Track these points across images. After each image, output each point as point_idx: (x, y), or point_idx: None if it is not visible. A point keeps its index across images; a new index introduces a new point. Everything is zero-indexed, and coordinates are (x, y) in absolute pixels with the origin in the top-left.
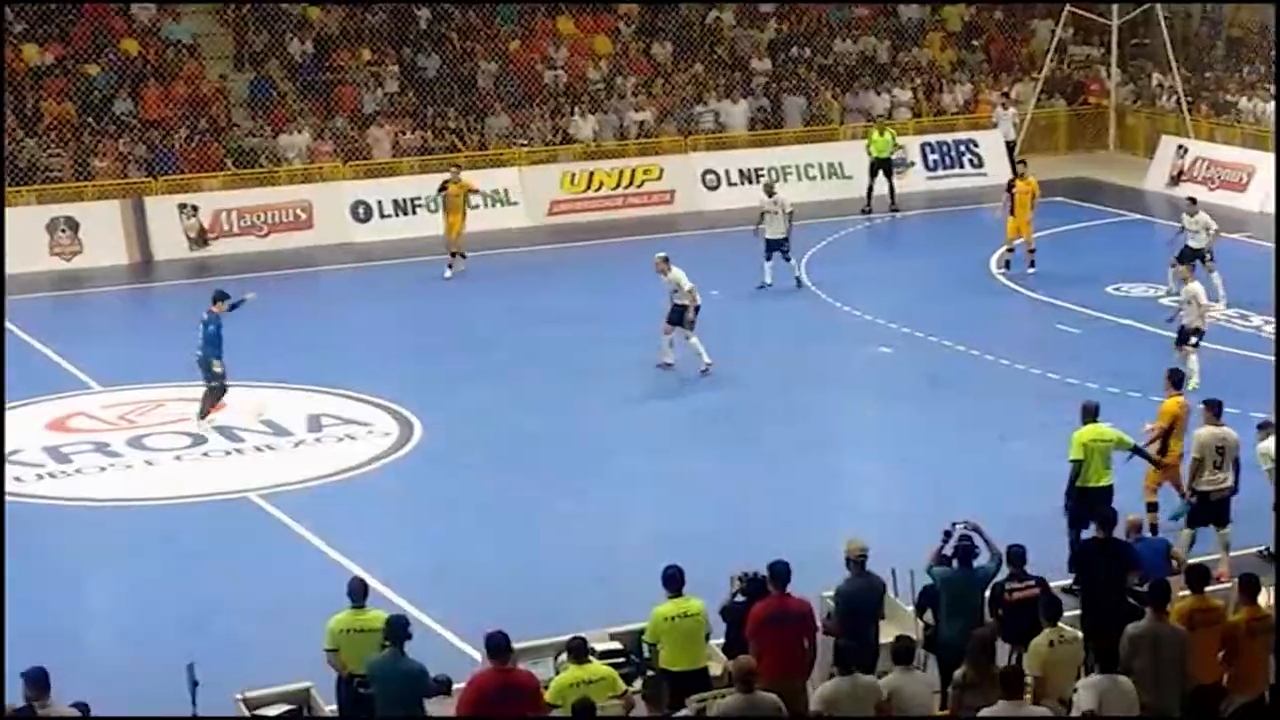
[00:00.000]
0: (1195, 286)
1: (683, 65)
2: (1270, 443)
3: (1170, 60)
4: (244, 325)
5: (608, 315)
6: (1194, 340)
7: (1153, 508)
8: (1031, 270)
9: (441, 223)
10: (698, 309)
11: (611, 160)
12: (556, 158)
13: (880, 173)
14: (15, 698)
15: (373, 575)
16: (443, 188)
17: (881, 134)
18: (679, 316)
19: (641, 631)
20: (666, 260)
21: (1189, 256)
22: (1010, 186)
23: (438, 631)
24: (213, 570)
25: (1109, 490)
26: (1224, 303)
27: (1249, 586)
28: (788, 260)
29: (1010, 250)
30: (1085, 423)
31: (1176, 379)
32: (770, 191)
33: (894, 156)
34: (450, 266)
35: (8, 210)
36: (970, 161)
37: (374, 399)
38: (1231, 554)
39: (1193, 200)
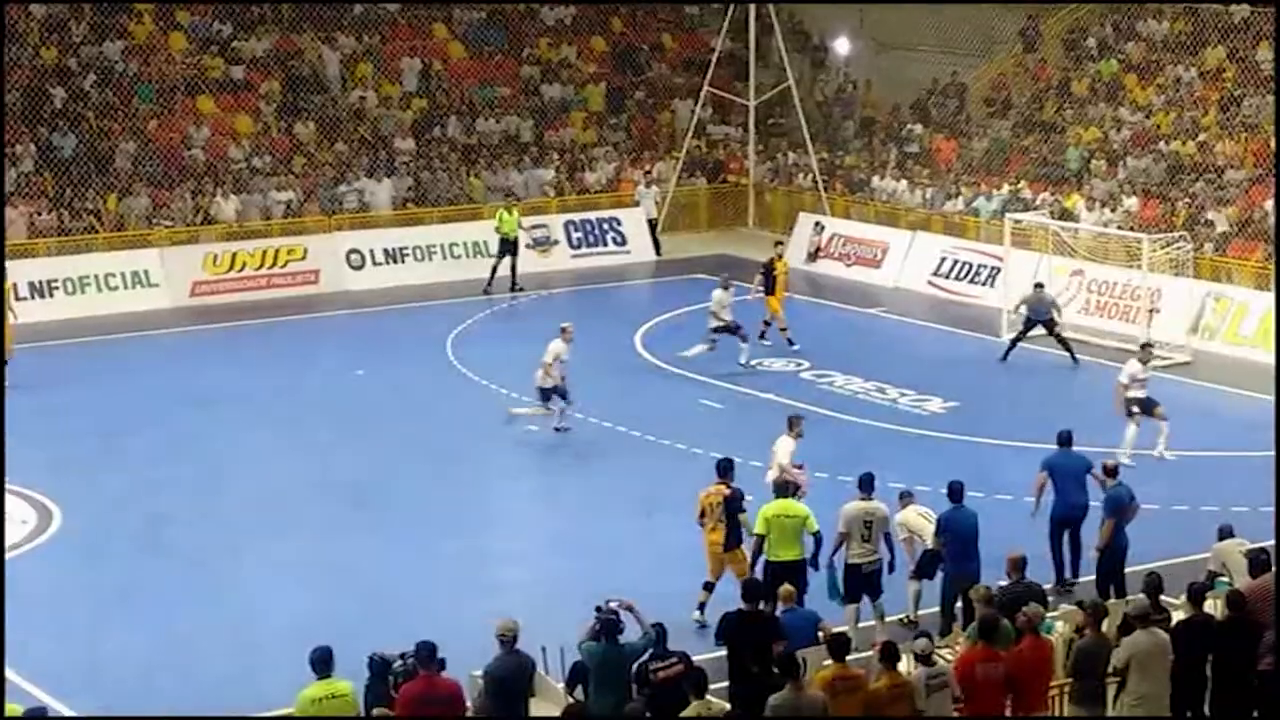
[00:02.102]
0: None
1: (326, 144)
2: (910, 512)
3: (806, 139)
4: None
5: (251, 397)
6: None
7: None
8: (795, 347)
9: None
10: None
11: (255, 240)
12: (198, 238)
13: (507, 254)
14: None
15: (12, 668)
16: None
17: (510, 213)
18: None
19: (288, 717)
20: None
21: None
22: (769, 268)
23: None
24: None
25: (799, 564)
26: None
27: (889, 654)
28: None
29: (768, 324)
30: (777, 498)
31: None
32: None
33: (537, 235)
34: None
35: None
36: (613, 239)
37: (10, 487)
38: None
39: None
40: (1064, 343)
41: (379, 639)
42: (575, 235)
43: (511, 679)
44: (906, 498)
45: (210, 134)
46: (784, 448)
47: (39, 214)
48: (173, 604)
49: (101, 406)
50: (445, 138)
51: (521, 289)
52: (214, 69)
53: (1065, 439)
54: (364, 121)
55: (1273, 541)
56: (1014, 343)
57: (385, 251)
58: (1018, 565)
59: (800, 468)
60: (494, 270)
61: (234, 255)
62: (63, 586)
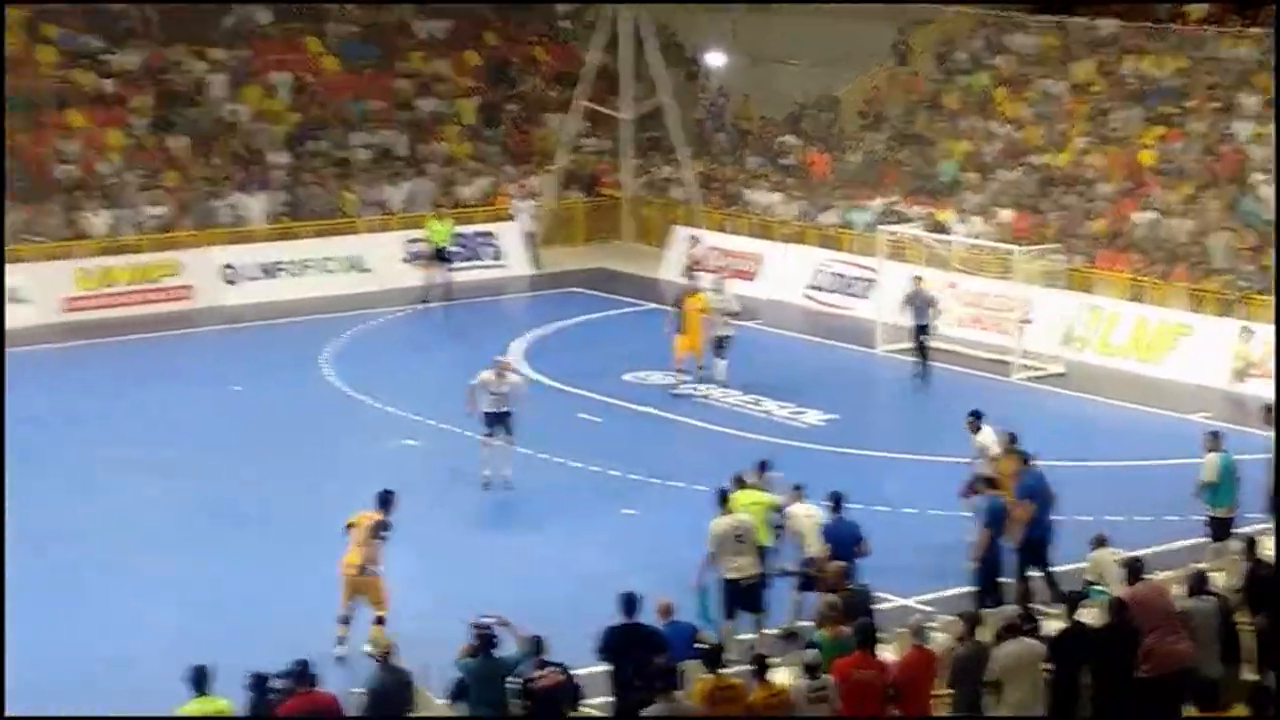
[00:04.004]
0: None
1: (199, 158)
2: (798, 508)
3: (680, 152)
4: None
5: (124, 413)
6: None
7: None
8: (676, 391)
9: None
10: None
11: (127, 255)
12: (70, 253)
13: (441, 262)
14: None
15: None
16: None
17: (440, 221)
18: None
19: None
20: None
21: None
22: (678, 302)
23: None
24: None
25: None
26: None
27: (760, 667)
28: None
29: (682, 371)
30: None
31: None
32: None
33: (412, 250)
34: None
35: None
36: (489, 254)
37: None
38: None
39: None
40: (923, 350)
41: (254, 657)
42: (452, 249)
43: (390, 693)
44: (798, 490)
45: (81, 148)
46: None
47: None
48: (42, 622)
49: None
50: (319, 152)
51: (453, 299)
52: (84, 82)
53: (1026, 458)
54: (237, 135)
55: (1145, 551)
56: (919, 356)
57: (260, 266)
58: (845, 574)
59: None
60: (427, 280)
61: (106, 270)
62: None
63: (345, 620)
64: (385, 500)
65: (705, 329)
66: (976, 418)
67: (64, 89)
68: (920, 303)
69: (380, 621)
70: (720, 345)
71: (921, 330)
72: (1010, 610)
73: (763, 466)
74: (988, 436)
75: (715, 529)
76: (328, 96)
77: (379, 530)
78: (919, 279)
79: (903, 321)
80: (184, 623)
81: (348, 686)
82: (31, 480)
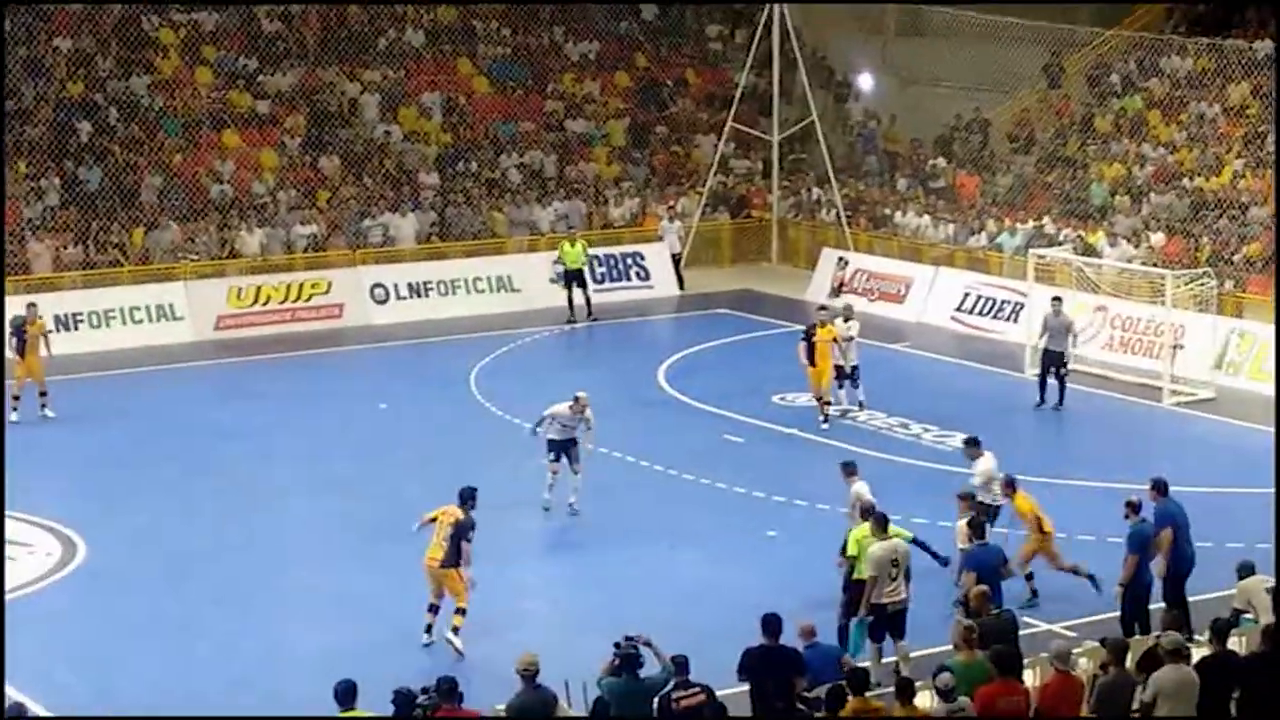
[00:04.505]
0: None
1: (350, 179)
2: (861, 485)
3: (829, 175)
4: None
5: (274, 430)
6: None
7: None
8: (825, 424)
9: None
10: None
11: (279, 274)
12: (223, 272)
13: (574, 284)
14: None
15: (31, 698)
16: (20, 330)
17: (573, 245)
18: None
19: None
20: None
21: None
22: (809, 334)
23: None
24: None
25: None
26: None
27: (905, 690)
28: None
29: (825, 402)
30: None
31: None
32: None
33: (559, 270)
34: (43, 406)
35: None
36: (637, 274)
37: (35, 519)
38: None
39: (848, 307)
40: (1061, 381)
41: (402, 673)
42: (599, 270)
43: (533, 714)
44: (850, 467)
45: (235, 168)
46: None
47: (65, 247)
48: (195, 636)
49: (126, 440)
50: (469, 172)
51: (595, 319)
52: (239, 103)
53: (1164, 487)
54: (389, 156)
55: None
56: (1044, 386)
57: (409, 286)
58: (988, 598)
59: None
60: (570, 301)
61: (258, 289)
62: (85, 618)
63: (433, 609)
64: (465, 496)
65: (833, 359)
66: (975, 445)
67: (220, 110)
68: (1058, 329)
69: (461, 613)
70: (850, 375)
71: (1058, 359)
72: (1173, 635)
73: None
74: (988, 462)
75: (874, 555)
76: (478, 117)
77: (461, 532)
78: (1057, 300)
79: (1042, 346)
80: (334, 638)
81: (492, 703)
82: (185, 495)
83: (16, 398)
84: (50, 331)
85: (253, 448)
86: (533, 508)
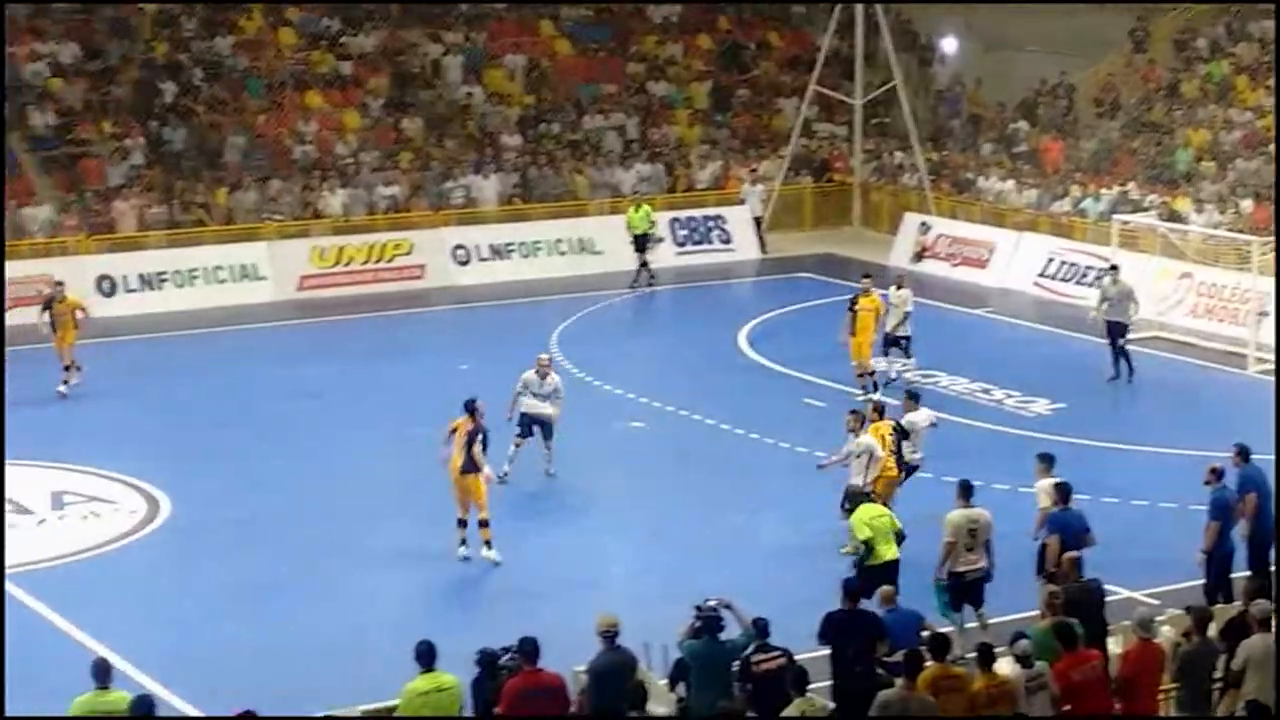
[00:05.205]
0: (866, 440)
1: (433, 140)
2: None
3: (912, 139)
4: None
5: (355, 390)
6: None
7: None
8: (871, 394)
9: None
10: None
11: (362, 235)
12: (306, 232)
13: (642, 248)
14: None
15: (117, 654)
16: (48, 306)
17: (636, 210)
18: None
19: (393, 709)
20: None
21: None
22: (852, 304)
23: (183, 710)
24: None
25: (897, 563)
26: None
27: (985, 656)
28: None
29: (867, 372)
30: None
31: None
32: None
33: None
34: (65, 382)
35: None
36: (719, 237)
37: (119, 476)
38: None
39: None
40: (1124, 352)
41: (484, 633)
42: (680, 233)
43: (613, 675)
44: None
45: (318, 129)
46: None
47: (149, 207)
48: (276, 593)
49: (209, 399)
50: (551, 134)
51: (654, 283)
52: (322, 64)
53: (1247, 453)
54: (471, 117)
55: None
56: (1117, 359)
57: (491, 247)
58: (1076, 564)
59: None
60: (641, 264)
61: (341, 249)
62: (168, 575)
63: (462, 523)
64: (468, 406)
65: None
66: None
67: (302, 71)
68: (1118, 298)
69: (484, 525)
70: (897, 344)
71: (1122, 330)
72: (1264, 605)
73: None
74: (922, 416)
75: (953, 520)
76: (560, 79)
77: (471, 439)
78: (1114, 269)
79: (1105, 318)
80: (415, 598)
81: (572, 664)
82: (267, 454)
83: (68, 367)
84: (83, 309)
85: (336, 408)
86: (614, 470)
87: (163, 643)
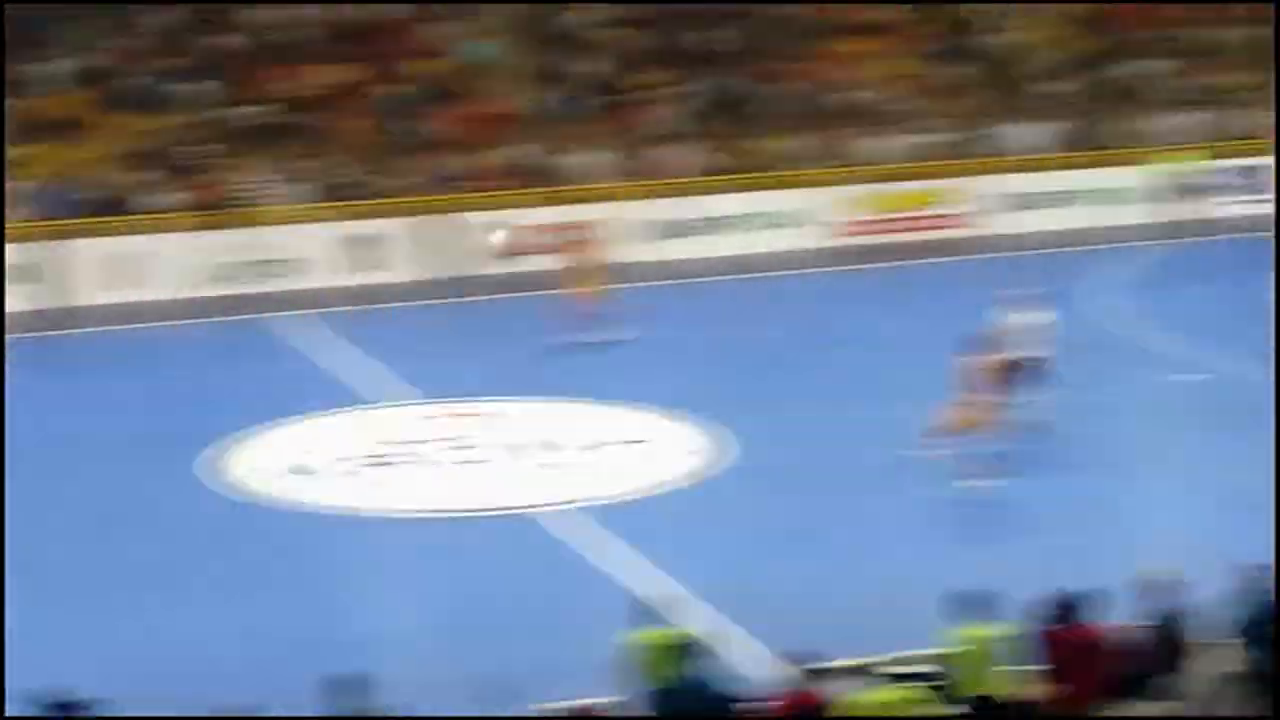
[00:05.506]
0: None
1: (978, 86)
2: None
3: None
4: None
5: (906, 339)
6: None
7: None
8: None
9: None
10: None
11: (904, 182)
12: (851, 179)
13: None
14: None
15: (688, 590)
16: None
17: (1179, 159)
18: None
19: (939, 656)
20: None
21: None
22: None
23: (747, 647)
24: (510, 582)
25: None
26: None
27: None
28: None
29: None
30: None
31: None
32: None
33: (1188, 182)
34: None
35: (311, 226)
36: (1252, 188)
37: (686, 415)
38: None
39: None
40: None
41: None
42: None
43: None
44: None
45: (865, 76)
46: None
47: (711, 152)
48: (823, 541)
49: (765, 343)
50: (1103, 80)
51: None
52: (854, 13)
53: None
54: (1019, 63)
55: None
56: None
57: (1043, 195)
58: None
59: None
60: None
61: (877, 196)
62: (739, 516)
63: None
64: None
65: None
66: None
67: (831, 17)
68: None
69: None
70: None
71: None
72: None
73: None
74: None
75: None
76: (1115, 22)
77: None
78: None
79: None
80: (962, 548)
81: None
82: (839, 400)
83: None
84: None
85: (886, 357)
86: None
87: (726, 578)
